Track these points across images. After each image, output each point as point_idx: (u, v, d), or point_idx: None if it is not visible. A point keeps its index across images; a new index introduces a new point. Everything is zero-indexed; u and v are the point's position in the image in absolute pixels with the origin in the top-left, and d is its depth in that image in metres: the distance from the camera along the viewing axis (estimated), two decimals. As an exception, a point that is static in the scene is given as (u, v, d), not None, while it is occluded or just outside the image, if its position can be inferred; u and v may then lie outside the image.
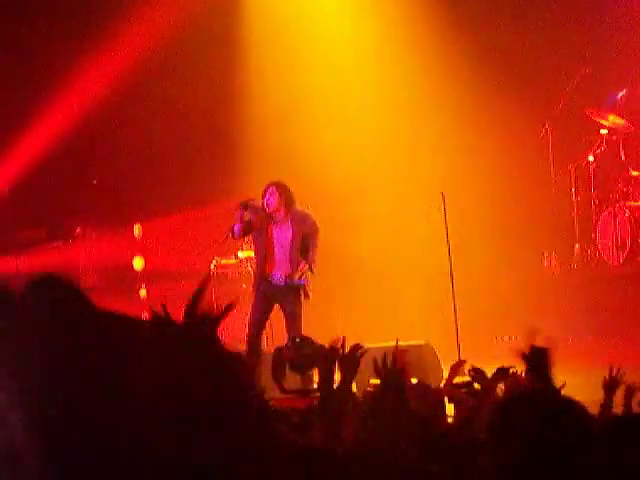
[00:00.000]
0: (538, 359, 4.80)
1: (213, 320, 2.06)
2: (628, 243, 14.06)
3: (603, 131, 14.51)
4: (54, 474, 1.79)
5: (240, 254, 14.92)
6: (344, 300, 14.65)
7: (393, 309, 14.03)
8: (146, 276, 16.39)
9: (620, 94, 14.33)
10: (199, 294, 2.08)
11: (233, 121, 15.92)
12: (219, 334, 1.96)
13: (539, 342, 4.92)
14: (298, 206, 11.08)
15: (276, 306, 11.28)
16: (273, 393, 10.01)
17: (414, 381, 7.60)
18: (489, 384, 6.18)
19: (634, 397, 5.72)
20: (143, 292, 16.33)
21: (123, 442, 1.79)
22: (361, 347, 5.62)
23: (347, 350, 6.84)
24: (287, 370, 10.68)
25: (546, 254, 14.75)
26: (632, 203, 14.26)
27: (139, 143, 16.43)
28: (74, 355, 1.87)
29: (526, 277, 14.40)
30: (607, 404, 5.71)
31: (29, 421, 1.79)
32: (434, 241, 12.50)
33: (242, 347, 12.20)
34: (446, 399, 7.59)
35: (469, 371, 6.68)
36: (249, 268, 14.58)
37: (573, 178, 14.75)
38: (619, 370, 5.84)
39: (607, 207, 14.45)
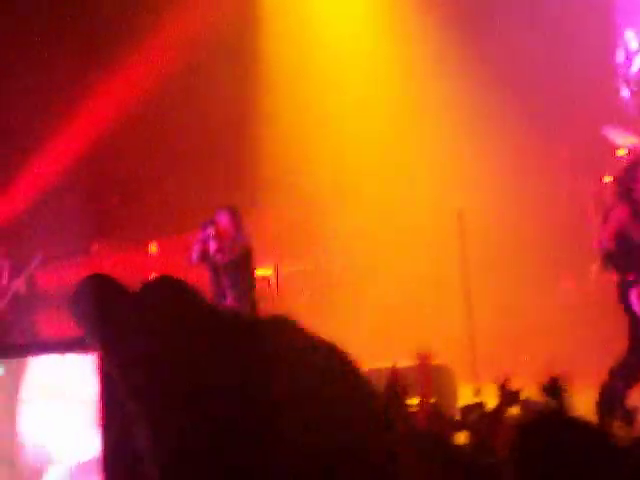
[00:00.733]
0: (556, 390, 4.81)
1: None
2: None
3: (621, 151, 14.48)
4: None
5: (257, 272, 14.94)
6: (355, 321, 14.64)
7: (409, 328, 13.99)
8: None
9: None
10: None
11: (249, 139, 15.95)
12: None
13: (556, 371, 4.95)
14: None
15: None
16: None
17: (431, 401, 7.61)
18: (499, 408, 6.18)
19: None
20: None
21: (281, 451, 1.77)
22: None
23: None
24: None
25: (563, 275, 14.71)
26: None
27: (157, 160, 16.48)
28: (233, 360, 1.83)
29: (543, 297, 14.34)
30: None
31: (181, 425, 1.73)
32: (450, 260, 12.47)
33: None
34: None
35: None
36: (266, 287, 14.61)
37: (591, 198, 14.71)
38: None
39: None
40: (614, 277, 9.75)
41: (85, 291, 1.66)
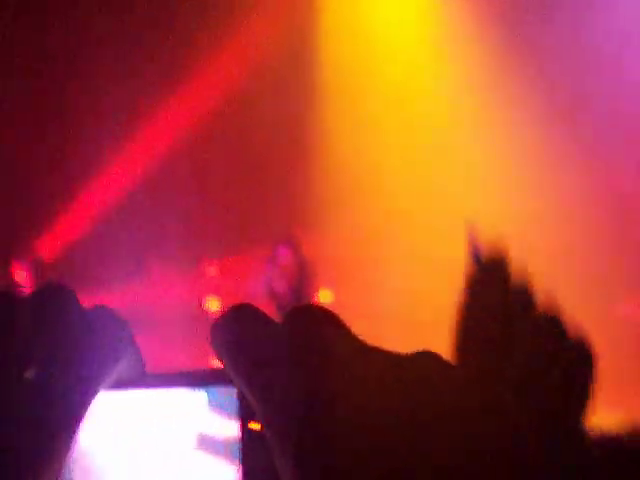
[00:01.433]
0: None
1: None
2: None
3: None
4: None
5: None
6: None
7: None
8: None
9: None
10: None
11: (307, 158, 16.02)
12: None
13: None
14: None
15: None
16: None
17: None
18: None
19: None
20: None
21: None
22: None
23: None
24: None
25: (618, 297, 14.30)
26: None
27: (216, 180, 16.59)
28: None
29: (592, 326, 13.88)
30: None
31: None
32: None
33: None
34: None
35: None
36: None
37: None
38: None
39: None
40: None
41: (226, 321, 1.66)
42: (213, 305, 16.48)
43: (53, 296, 1.68)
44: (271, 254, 11.00)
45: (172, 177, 16.39)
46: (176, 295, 16.27)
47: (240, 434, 1.78)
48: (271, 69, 15.73)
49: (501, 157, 14.99)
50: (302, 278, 11.01)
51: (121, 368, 1.61)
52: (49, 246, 15.49)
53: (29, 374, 1.39)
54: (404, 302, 15.37)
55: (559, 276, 13.25)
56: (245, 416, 1.80)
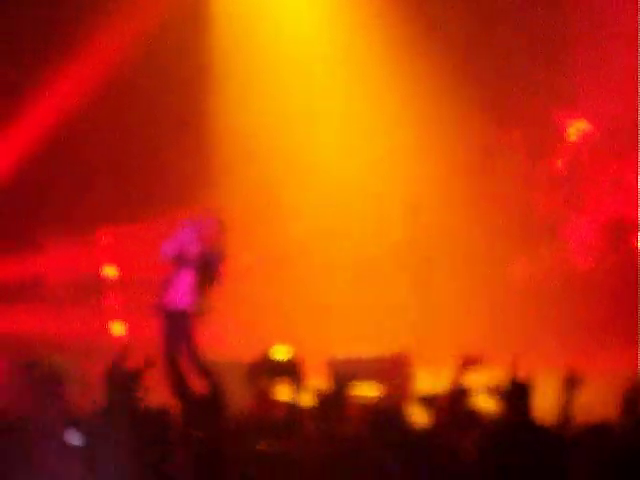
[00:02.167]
0: (519, 394, 4.97)
1: None
2: (597, 245, 14.17)
3: (571, 135, 14.63)
4: None
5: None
6: (317, 308, 14.65)
7: (366, 316, 14.04)
8: (117, 284, 16.32)
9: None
10: None
11: (206, 126, 15.90)
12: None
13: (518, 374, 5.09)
14: None
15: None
16: (247, 401, 10.08)
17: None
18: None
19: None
20: (112, 300, 16.27)
21: None
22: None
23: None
24: (261, 378, 10.75)
25: (515, 258, 14.77)
26: (601, 205, 14.38)
27: (107, 147, 16.34)
28: None
29: (493, 282, 14.33)
30: (567, 404, 5.79)
31: None
32: (406, 247, 12.53)
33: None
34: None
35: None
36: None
37: (542, 181, 14.82)
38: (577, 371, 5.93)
39: (576, 210, 14.55)
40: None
41: None
42: (110, 273, 16.29)
43: None
44: (187, 220, 10.99)
45: (68, 143, 16.08)
46: (71, 263, 16.03)
47: None
48: (170, 29, 15.61)
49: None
50: (215, 242, 11.12)
51: None
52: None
53: None
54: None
55: (474, 247, 13.59)
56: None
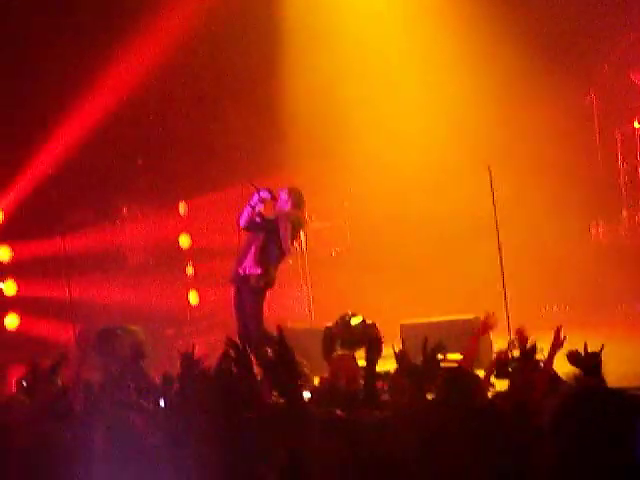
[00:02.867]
0: (593, 364, 4.97)
1: None
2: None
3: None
4: None
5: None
6: (391, 275, 14.62)
7: (440, 283, 13.99)
8: (193, 254, 16.48)
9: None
10: None
11: (277, 99, 15.89)
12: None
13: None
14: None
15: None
16: (323, 371, 10.10)
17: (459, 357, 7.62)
18: (548, 363, 6.24)
19: None
20: (190, 270, 16.42)
21: None
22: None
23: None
24: (337, 347, 10.75)
25: (593, 222, 14.65)
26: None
27: (183, 121, 16.47)
28: None
29: (573, 246, 14.26)
30: None
31: None
32: (481, 213, 12.43)
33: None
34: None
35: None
36: (295, 243, 14.68)
37: (619, 144, 14.64)
38: None
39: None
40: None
41: None
42: (185, 243, 16.46)
43: None
44: (260, 189, 11.07)
45: (140, 118, 16.23)
46: (148, 234, 16.21)
47: None
48: (238, 13, 15.64)
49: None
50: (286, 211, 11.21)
51: None
52: (18, 189, 15.31)
53: None
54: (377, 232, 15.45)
55: (551, 212, 13.51)
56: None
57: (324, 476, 4.38)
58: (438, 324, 10.86)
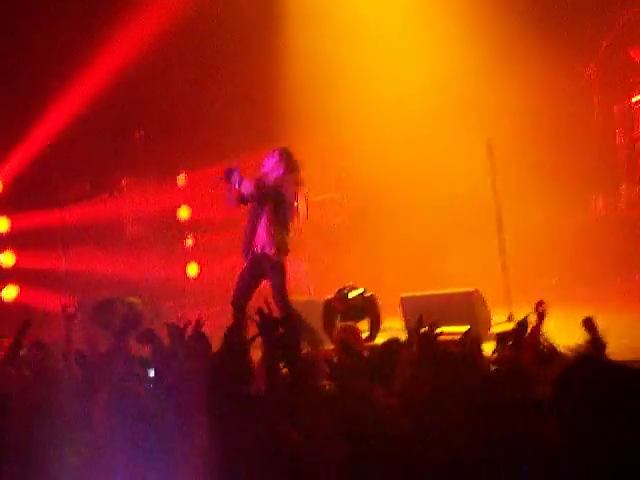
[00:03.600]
0: (591, 331, 5.01)
1: None
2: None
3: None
4: None
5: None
6: (391, 249, 14.65)
7: (440, 256, 14.02)
8: (192, 226, 16.49)
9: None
10: None
11: (276, 70, 15.87)
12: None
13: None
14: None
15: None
16: (325, 344, 10.14)
17: (463, 329, 7.65)
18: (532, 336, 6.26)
19: None
20: (189, 241, 16.44)
21: None
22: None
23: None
24: (337, 320, 10.79)
25: (593, 196, 14.67)
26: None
27: (181, 93, 16.46)
28: None
29: (573, 219, 14.30)
30: None
31: None
32: (481, 187, 12.44)
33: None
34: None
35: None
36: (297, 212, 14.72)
37: (618, 119, 14.63)
38: None
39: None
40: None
41: None
42: (184, 214, 16.47)
43: None
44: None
45: (138, 91, 16.20)
46: (147, 206, 16.21)
47: None
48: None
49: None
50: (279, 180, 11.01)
51: None
52: (16, 161, 15.31)
53: None
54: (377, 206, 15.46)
55: (550, 186, 13.53)
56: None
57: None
58: (438, 296, 10.88)
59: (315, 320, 10.43)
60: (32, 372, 6.14)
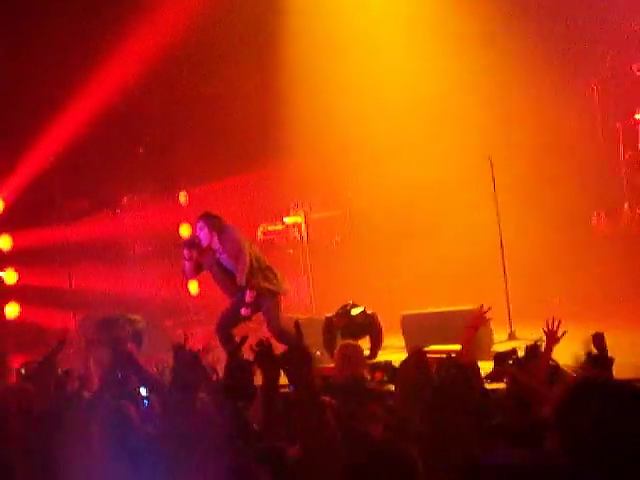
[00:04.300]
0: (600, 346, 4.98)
1: None
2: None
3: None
4: None
5: (286, 220, 14.97)
6: (392, 266, 14.61)
7: (442, 273, 13.97)
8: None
9: None
10: None
11: (278, 87, 15.88)
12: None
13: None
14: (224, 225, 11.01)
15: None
16: (325, 361, 10.10)
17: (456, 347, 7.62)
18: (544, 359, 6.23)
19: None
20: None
21: None
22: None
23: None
24: (338, 338, 10.75)
25: (595, 213, 14.62)
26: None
27: (183, 111, 16.46)
28: None
29: (575, 236, 14.22)
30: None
31: None
32: (483, 204, 12.42)
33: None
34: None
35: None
36: (295, 234, 14.67)
37: (621, 136, 14.61)
38: None
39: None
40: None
41: None
42: (186, 232, 16.42)
43: None
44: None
45: (141, 108, 16.21)
46: (148, 224, 16.19)
47: None
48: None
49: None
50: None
51: None
52: (19, 178, 15.30)
53: None
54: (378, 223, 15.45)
55: (553, 203, 13.50)
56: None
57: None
58: (439, 314, 10.85)
59: (315, 338, 10.40)
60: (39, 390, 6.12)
